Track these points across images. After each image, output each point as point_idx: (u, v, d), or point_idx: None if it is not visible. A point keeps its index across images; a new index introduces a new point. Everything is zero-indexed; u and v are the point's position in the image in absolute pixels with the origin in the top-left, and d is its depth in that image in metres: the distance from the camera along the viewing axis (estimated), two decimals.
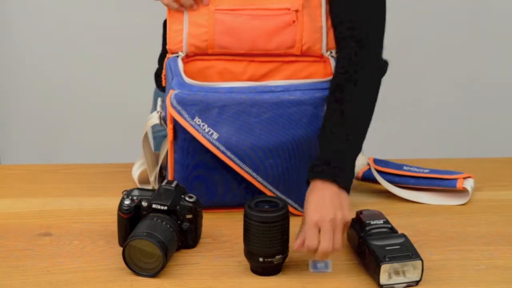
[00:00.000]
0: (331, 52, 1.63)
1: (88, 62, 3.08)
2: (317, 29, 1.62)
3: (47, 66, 3.10)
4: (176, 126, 1.58)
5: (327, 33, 1.62)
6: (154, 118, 1.63)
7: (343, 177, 1.47)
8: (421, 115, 3.18)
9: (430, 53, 3.10)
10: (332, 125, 1.53)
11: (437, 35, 3.09)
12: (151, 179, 1.70)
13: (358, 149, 1.54)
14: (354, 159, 1.52)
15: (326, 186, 1.46)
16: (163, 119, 1.62)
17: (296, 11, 1.60)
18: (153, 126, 1.68)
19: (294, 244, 1.43)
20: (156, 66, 1.86)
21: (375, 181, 1.73)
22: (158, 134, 1.84)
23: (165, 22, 1.79)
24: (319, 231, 1.41)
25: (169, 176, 1.62)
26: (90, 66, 3.09)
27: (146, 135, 1.67)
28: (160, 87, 1.76)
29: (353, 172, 1.51)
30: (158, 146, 1.84)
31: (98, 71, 3.09)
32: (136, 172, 1.73)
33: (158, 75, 1.82)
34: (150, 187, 1.71)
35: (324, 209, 1.43)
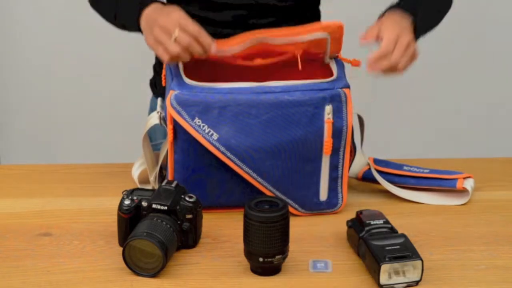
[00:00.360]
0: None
1: (88, 62, 3.08)
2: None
3: (47, 66, 3.10)
4: (176, 127, 1.57)
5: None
6: (154, 118, 1.63)
7: (419, 21, 1.62)
8: (422, 115, 3.18)
9: (431, 53, 3.10)
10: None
11: (437, 35, 3.09)
12: (151, 179, 1.70)
13: (432, 23, 1.72)
14: (426, 27, 1.70)
15: (405, 16, 1.61)
16: (163, 119, 1.62)
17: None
18: (150, 134, 1.70)
19: (370, 57, 1.53)
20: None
21: (375, 181, 1.73)
22: (155, 143, 1.83)
23: None
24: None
25: (169, 177, 1.62)
26: (90, 66, 3.09)
27: (146, 135, 1.67)
28: (157, 94, 1.76)
29: (423, 32, 1.67)
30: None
31: (98, 71, 3.09)
32: (136, 172, 1.73)
33: (153, 84, 1.82)
34: (150, 187, 1.71)
35: (403, 29, 1.56)
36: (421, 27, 1.66)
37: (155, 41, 1.52)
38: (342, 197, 1.65)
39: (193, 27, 1.51)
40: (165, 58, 1.52)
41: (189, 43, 1.51)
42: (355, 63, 1.62)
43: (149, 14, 1.57)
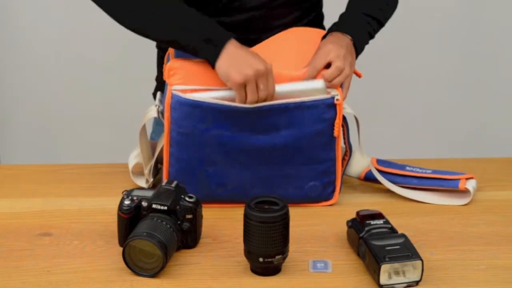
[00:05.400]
0: None
1: (89, 62, 3.08)
2: None
3: (47, 66, 3.10)
4: (173, 121, 1.58)
5: None
6: (153, 112, 1.65)
7: (358, 37, 1.68)
8: (422, 115, 3.18)
9: (431, 54, 3.10)
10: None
11: (437, 35, 3.09)
12: (146, 171, 1.71)
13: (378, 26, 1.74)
14: (372, 30, 1.72)
15: (344, 37, 1.67)
16: (161, 112, 1.63)
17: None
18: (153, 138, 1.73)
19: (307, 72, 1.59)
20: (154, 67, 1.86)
21: (378, 181, 1.73)
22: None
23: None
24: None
25: (164, 170, 1.63)
26: (90, 66, 3.09)
27: (143, 128, 1.68)
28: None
29: (367, 39, 1.72)
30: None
31: (99, 71, 3.09)
32: (131, 162, 1.74)
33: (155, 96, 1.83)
34: (144, 179, 1.71)
35: (340, 48, 1.63)
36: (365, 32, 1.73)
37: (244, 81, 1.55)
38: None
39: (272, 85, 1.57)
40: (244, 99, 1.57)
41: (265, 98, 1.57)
42: (358, 75, 1.66)
43: (233, 51, 1.58)
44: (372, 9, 1.74)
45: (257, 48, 1.64)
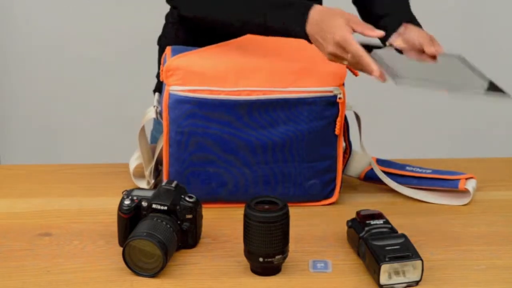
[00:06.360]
0: None
1: (88, 62, 3.08)
2: None
3: (47, 66, 3.10)
4: (172, 121, 1.59)
5: None
6: (151, 113, 1.65)
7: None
8: (422, 115, 3.18)
9: None
10: None
11: (437, 35, 3.09)
12: (146, 173, 1.71)
13: None
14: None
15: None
16: (159, 113, 1.64)
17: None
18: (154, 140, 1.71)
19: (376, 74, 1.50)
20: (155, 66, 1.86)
21: (377, 181, 1.73)
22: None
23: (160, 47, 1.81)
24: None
25: (164, 170, 1.63)
26: (90, 66, 3.09)
27: (143, 129, 1.68)
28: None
29: None
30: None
31: (99, 71, 3.09)
32: (132, 164, 1.74)
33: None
34: (145, 181, 1.71)
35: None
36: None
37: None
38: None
39: (354, 48, 1.50)
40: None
41: (354, 65, 1.52)
42: (355, 73, 1.66)
43: (315, 19, 1.54)
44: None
45: (253, 37, 1.63)
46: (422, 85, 1.50)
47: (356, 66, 1.51)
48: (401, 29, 1.61)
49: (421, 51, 1.57)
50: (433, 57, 1.57)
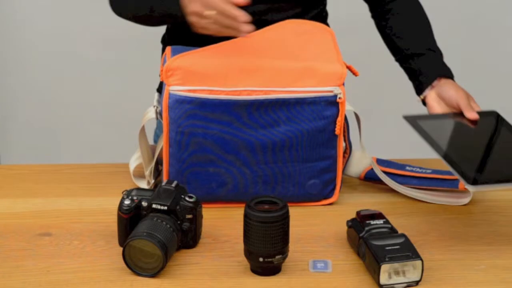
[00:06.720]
0: None
1: (88, 62, 3.08)
2: None
3: (47, 66, 3.10)
4: (171, 121, 1.59)
5: None
6: (151, 113, 1.66)
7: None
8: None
9: None
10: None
11: (437, 35, 3.09)
12: (146, 173, 1.71)
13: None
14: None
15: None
16: (159, 113, 1.64)
17: None
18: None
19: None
20: (157, 64, 1.86)
21: (378, 181, 1.73)
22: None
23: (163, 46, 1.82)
24: None
25: (164, 170, 1.63)
26: (90, 66, 3.09)
27: (143, 129, 1.68)
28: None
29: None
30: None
31: (99, 71, 3.09)
32: (132, 164, 1.74)
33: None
34: (145, 181, 1.71)
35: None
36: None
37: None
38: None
39: (216, 2, 1.52)
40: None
41: (216, 19, 1.53)
42: (354, 73, 1.66)
43: None
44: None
45: (252, 36, 1.63)
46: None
47: (224, 22, 1.52)
48: (435, 82, 1.75)
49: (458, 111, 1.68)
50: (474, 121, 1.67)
